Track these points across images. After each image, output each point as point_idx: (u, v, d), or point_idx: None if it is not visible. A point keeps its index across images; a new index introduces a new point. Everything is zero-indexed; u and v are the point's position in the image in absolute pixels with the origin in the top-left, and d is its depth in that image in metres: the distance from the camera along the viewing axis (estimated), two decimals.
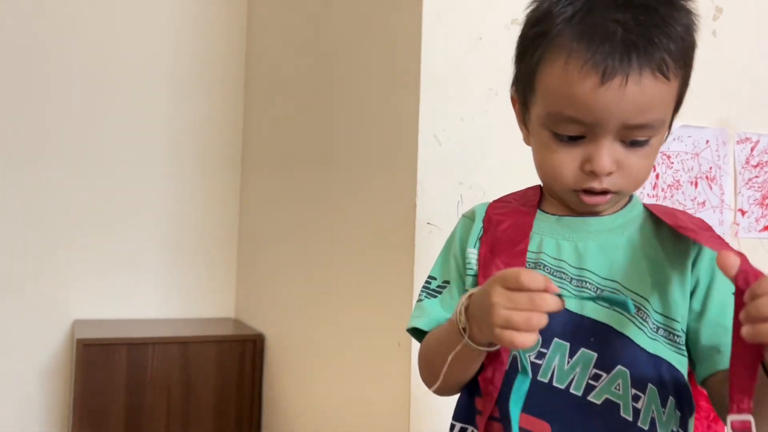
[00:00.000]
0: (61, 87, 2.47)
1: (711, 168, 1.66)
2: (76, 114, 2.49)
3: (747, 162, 1.71)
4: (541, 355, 0.70)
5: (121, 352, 2.15)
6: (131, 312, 2.54)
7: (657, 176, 1.60)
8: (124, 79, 2.54)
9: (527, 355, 0.69)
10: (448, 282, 0.79)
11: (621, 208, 0.76)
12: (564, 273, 0.71)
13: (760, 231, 1.72)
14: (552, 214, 0.77)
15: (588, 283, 0.70)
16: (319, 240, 1.96)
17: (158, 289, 2.58)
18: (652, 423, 0.67)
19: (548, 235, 0.74)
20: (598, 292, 0.69)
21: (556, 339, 0.69)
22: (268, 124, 2.45)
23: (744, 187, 1.70)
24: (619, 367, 0.67)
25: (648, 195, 1.59)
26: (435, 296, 0.79)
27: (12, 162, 2.42)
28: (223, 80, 2.67)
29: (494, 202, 0.82)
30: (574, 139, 0.70)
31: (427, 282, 0.81)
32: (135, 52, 2.56)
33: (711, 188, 1.66)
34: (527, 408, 0.69)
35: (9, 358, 2.41)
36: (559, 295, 0.60)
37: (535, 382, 0.69)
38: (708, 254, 0.71)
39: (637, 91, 0.66)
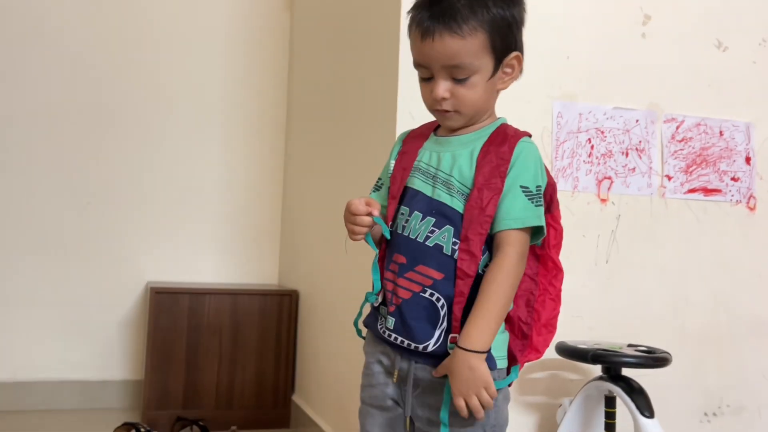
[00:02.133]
0: (132, 83, 3.07)
1: (640, 141, 2.09)
2: (149, 108, 3.08)
3: (672, 138, 2.12)
4: (407, 221, 1.18)
5: (184, 300, 2.69)
6: (194, 277, 3.09)
7: (592, 147, 2.03)
8: (186, 83, 3.12)
9: (401, 222, 1.19)
10: (381, 180, 1.29)
11: (480, 128, 1.20)
12: (429, 172, 1.18)
13: (685, 193, 2.12)
14: (439, 136, 1.23)
15: (438, 178, 1.17)
16: (338, 211, 2.46)
17: (216, 261, 3.13)
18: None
19: (428, 150, 1.21)
20: (444, 184, 1.16)
21: (416, 211, 1.16)
22: (304, 122, 2.98)
23: (670, 158, 2.11)
24: (447, 225, 1.13)
25: (584, 161, 2.02)
26: (376, 190, 1.29)
27: (92, 140, 3.03)
28: (270, 80, 3.23)
29: (414, 129, 1.30)
30: (427, 80, 1.18)
31: (376, 180, 1.30)
32: (193, 58, 3.15)
33: (640, 158, 2.08)
34: (397, 250, 1.18)
35: (96, 313, 2.99)
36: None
37: (402, 236, 1.18)
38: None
39: (441, 44, 1.11)
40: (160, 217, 3.07)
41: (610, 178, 2.05)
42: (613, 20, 2.08)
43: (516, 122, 1.77)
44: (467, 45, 1.11)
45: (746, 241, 2.17)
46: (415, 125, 1.90)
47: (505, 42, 1.16)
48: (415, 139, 1.24)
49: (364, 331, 1.26)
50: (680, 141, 2.13)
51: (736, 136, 2.18)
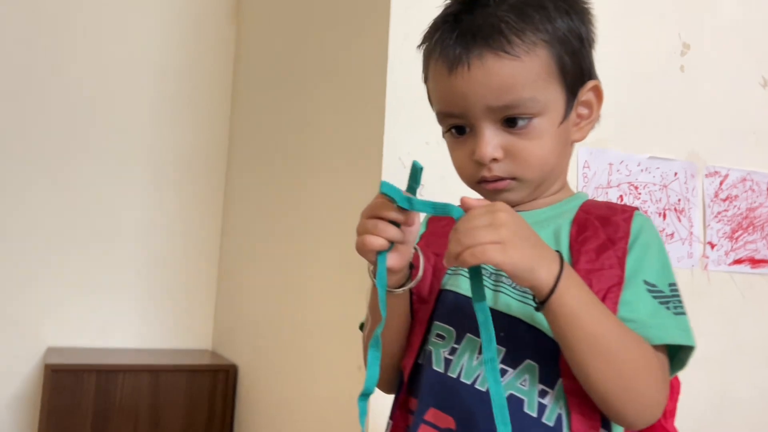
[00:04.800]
0: (38, 108, 2.50)
1: (680, 200, 1.67)
2: (55, 137, 2.50)
3: (716, 195, 1.71)
4: (453, 351, 0.70)
5: (90, 379, 2.12)
6: (107, 341, 2.51)
7: None
8: (104, 104, 2.57)
9: (441, 351, 0.69)
10: None
11: (557, 202, 0.76)
12: (485, 268, 0.71)
13: (729, 264, 1.71)
14: None
15: (504, 277, 0.70)
16: (291, 273, 1.96)
17: (136, 320, 2.56)
18: (558, 419, 0.66)
19: None
20: (513, 286, 0.69)
21: (468, 335, 0.69)
22: (250, 160, 2.46)
23: (713, 221, 1.70)
24: (527, 361, 0.67)
25: None
26: None
27: None
28: (208, 110, 2.70)
29: None
30: (461, 133, 0.73)
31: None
32: (115, 73, 2.59)
33: (680, 220, 1.67)
34: (436, 402, 0.69)
35: None
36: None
37: (446, 377, 0.69)
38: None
39: (482, 73, 0.68)
40: (65, 268, 2.48)
41: None
42: (648, 49, 1.67)
43: None
44: (524, 70, 0.69)
45: None
46: (407, 174, 1.44)
47: (578, 65, 0.73)
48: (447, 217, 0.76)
49: None
50: (724, 200, 1.72)
51: None
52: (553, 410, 0.66)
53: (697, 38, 1.73)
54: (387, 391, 0.78)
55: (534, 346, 0.66)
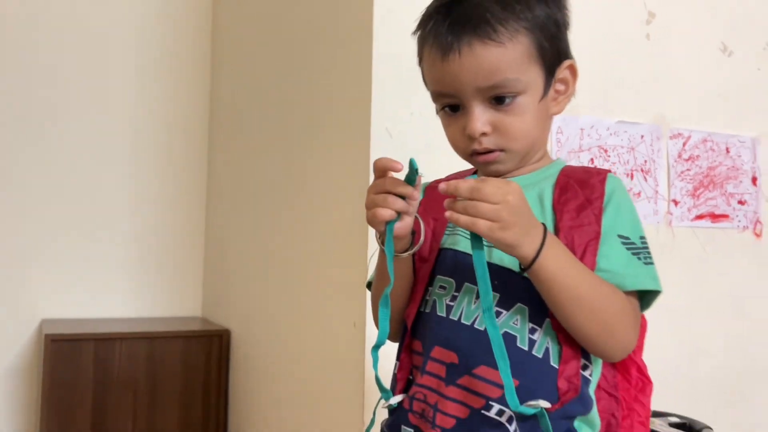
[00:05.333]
0: (20, 87, 2.52)
1: (646, 161, 1.78)
2: (39, 117, 2.54)
3: (679, 156, 1.83)
4: (454, 298, 0.80)
5: (88, 348, 2.19)
6: (99, 312, 2.58)
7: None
8: (86, 82, 2.60)
9: (443, 299, 0.80)
10: None
11: (539, 168, 0.86)
12: None
13: (692, 220, 1.84)
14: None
15: None
16: (279, 236, 2.04)
17: (126, 290, 2.63)
18: (546, 351, 0.77)
19: None
20: None
21: (466, 284, 0.80)
22: (233, 127, 2.53)
23: (677, 179, 1.83)
24: (518, 304, 0.77)
25: None
26: None
27: None
28: (189, 80, 2.74)
29: (436, 180, 0.94)
30: (454, 111, 0.82)
31: None
32: (96, 54, 2.62)
33: (646, 180, 1.78)
34: (440, 342, 0.80)
35: None
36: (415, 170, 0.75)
37: (447, 320, 0.80)
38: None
39: (472, 59, 0.78)
40: (57, 241, 2.54)
41: None
42: (615, 18, 1.77)
43: None
44: (508, 54, 0.78)
45: (754, 273, 1.92)
46: (395, 144, 1.53)
47: (556, 47, 0.83)
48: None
49: None
50: (687, 160, 1.84)
51: (742, 153, 1.92)
52: (541, 344, 0.77)
53: (662, 7, 1.82)
54: (393, 340, 0.88)
55: (524, 292, 0.77)
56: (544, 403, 0.73)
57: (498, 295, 0.78)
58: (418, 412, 0.80)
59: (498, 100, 0.79)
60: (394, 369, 0.85)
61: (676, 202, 1.82)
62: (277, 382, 2.03)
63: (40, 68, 2.54)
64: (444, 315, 0.81)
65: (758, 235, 1.93)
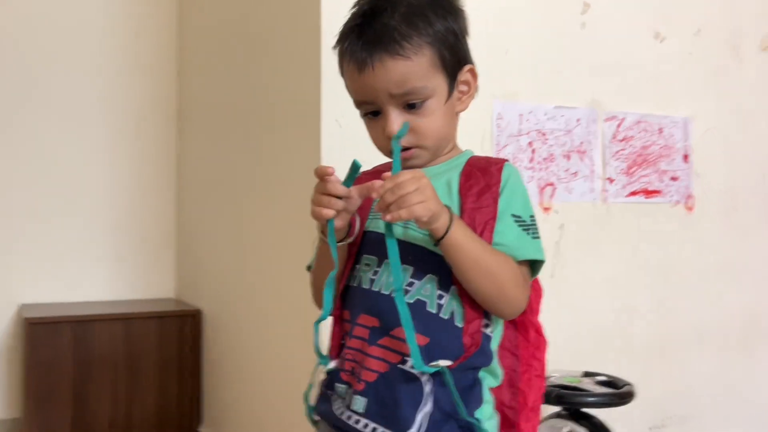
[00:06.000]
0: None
1: (582, 143, 1.92)
2: (15, 102, 2.62)
3: (614, 137, 1.97)
4: (376, 273, 0.94)
5: (66, 330, 2.31)
6: (76, 296, 2.69)
7: (533, 151, 1.85)
8: (59, 71, 2.68)
9: (368, 274, 0.93)
10: None
11: (449, 159, 0.98)
12: None
13: (626, 196, 1.98)
14: None
15: None
16: (246, 220, 2.16)
17: (102, 274, 2.73)
18: (452, 313, 0.90)
19: None
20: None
21: (385, 261, 0.92)
22: (202, 114, 2.63)
23: (612, 159, 1.97)
24: (429, 275, 0.91)
25: (526, 167, 1.84)
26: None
27: None
28: (157, 67, 2.83)
29: (365, 170, 1.06)
30: (375, 116, 0.95)
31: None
32: (68, 45, 2.70)
33: (582, 160, 1.92)
34: (365, 309, 0.94)
35: None
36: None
37: (371, 292, 0.94)
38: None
39: (384, 72, 0.90)
40: (33, 226, 2.64)
41: (552, 184, 1.87)
42: (552, 9, 1.89)
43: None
44: (415, 65, 0.91)
45: (686, 243, 2.07)
46: (344, 134, 1.65)
47: (455, 56, 0.96)
48: (370, 176, 0.98)
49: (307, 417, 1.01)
50: (621, 140, 1.98)
51: (674, 132, 2.06)
52: (447, 307, 0.90)
53: None
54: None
55: (434, 265, 0.90)
56: (444, 362, 0.87)
57: (412, 268, 0.91)
58: (348, 370, 0.94)
59: (410, 105, 0.92)
60: (330, 337, 0.98)
61: (611, 180, 1.96)
62: (247, 358, 2.16)
63: (11, 59, 2.61)
64: (368, 287, 0.94)
65: (690, 209, 2.09)
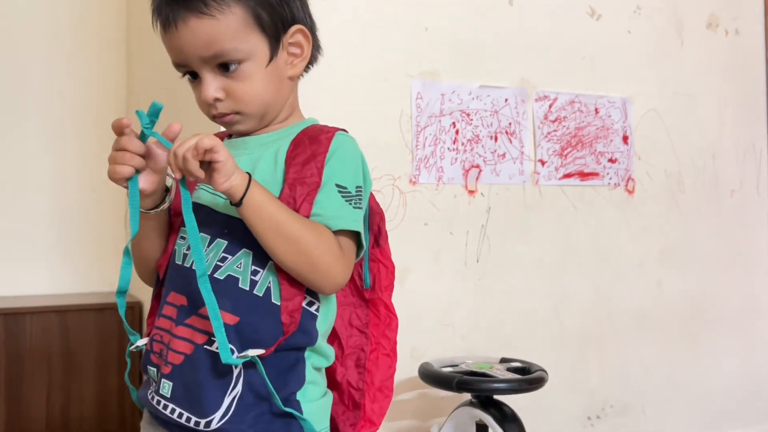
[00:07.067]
0: None
1: (510, 124, 1.86)
2: None
3: (545, 118, 1.91)
4: (189, 247, 0.85)
5: None
6: (17, 290, 2.64)
7: (457, 132, 1.78)
8: (2, 63, 2.63)
9: (182, 248, 0.87)
10: None
11: (284, 127, 0.92)
12: (207, 189, 0.88)
13: (560, 179, 1.92)
14: (234, 139, 0.92)
15: None
16: None
17: (44, 267, 2.68)
18: (267, 290, 0.83)
19: None
20: None
21: (202, 233, 0.85)
22: (149, 96, 2.57)
23: (543, 140, 1.90)
24: (243, 249, 0.84)
25: (449, 149, 1.77)
26: None
27: None
28: (104, 57, 2.78)
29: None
30: (195, 78, 0.88)
31: None
32: (11, 37, 2.65)
33: (511, 142, 1.86)
34: (174, 287, 0.87)
35: None
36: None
37: (182, 267, 0.87)
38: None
39: (188, 31, 0.84)
40: None
41: (478, 166, 1.81)
42: None
43: (370, 105, 1.45)
44: (221, 26, 0.84)
45: (626, 227, 2.01)
46: None
47: (277, 15, 0.88)
48: None
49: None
50: (553, 121, 1.91)
51: (612, 113, 2.00)
52: (263, 284, 0.83)
53: None
54: (151, 286, 0.96)
55: (249, 239, 0.82)
56: (255, 352, 0.80)
57: (225, 242, 0.84)
58: (157, 352, 0.88)
59: (224, 67, 0.85)
60: (146, 316, 0.92)
61: (542, 162, 1.90)
62: None
63: None
64: (181, 263, 0.87)
65: (630, 192, 2.02)
